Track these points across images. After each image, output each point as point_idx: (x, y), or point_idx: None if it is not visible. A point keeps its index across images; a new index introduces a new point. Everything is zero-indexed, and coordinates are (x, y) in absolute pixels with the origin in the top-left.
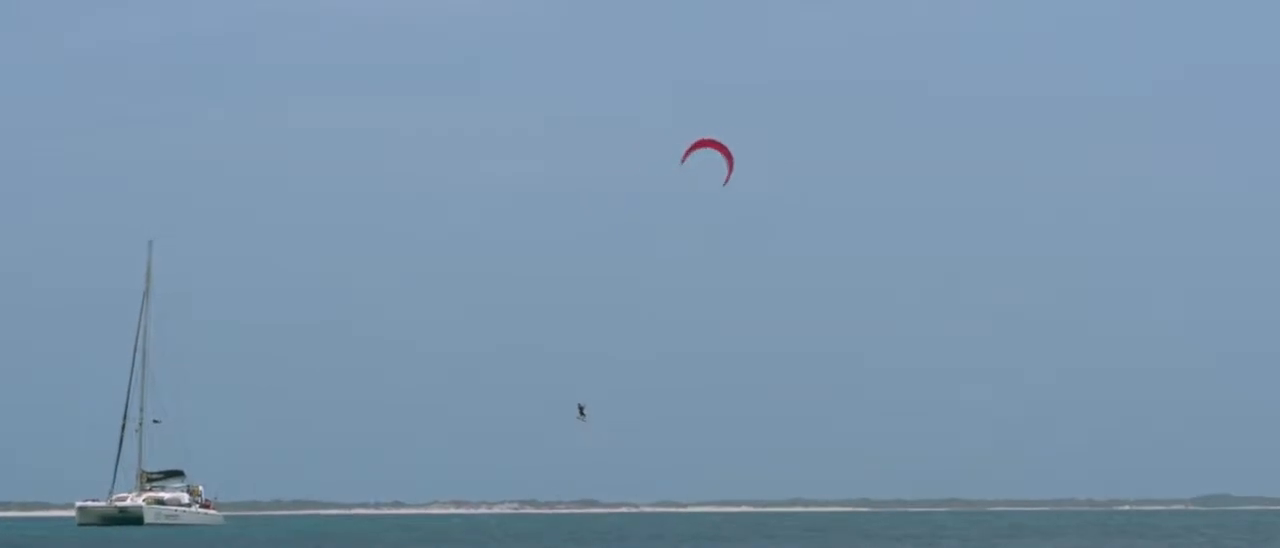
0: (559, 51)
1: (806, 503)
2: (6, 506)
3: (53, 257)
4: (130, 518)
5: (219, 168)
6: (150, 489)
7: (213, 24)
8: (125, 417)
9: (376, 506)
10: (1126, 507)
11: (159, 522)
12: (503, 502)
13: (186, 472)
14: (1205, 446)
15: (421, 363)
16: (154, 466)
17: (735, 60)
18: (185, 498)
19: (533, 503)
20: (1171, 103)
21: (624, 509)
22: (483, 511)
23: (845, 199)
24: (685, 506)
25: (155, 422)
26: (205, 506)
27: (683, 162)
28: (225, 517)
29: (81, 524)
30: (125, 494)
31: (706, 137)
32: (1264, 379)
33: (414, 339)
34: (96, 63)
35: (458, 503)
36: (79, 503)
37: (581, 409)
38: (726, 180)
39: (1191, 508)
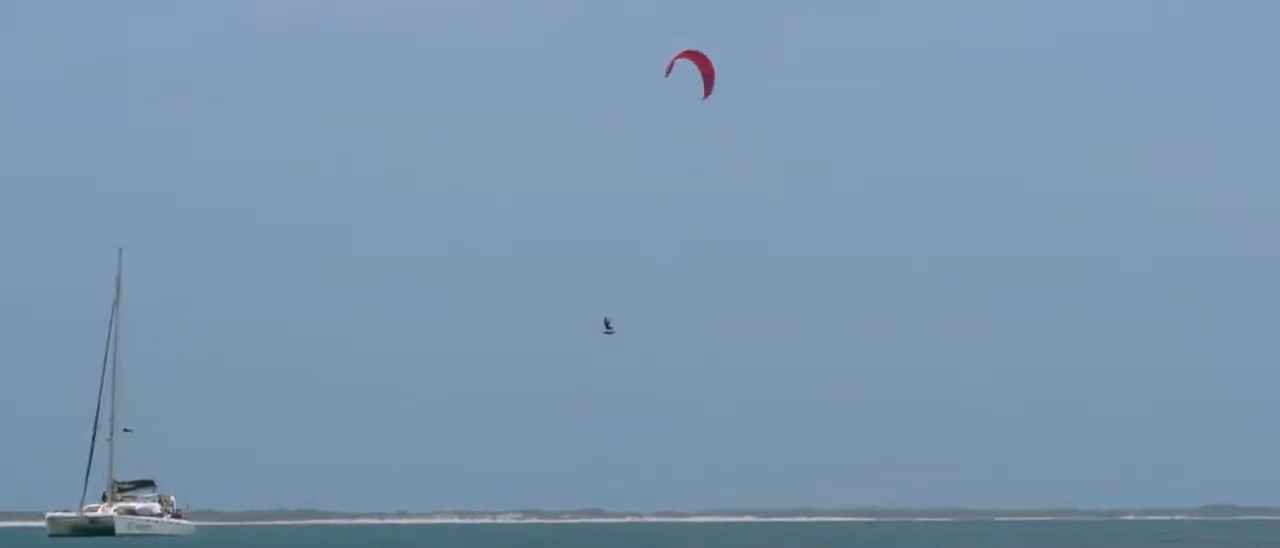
0: (557, 59)
1: (811, 513)
2: None
3: (29, 262)
4: (101, 528)
5: (218, 172)
6: (121, 499)
7: (212, 31)
8: (96, 426)
9: (381, 515)
10: (1130, 517)
11: (130, 532)
12: (507, 512)
13: (157, 482)
14: (1209, 455)
15: (424, 372)
16: (127, 475)
17: (735, 66)
18: (156, 508)
19: (537, 513)
20: (1173, 105)
21: (629, 519)
22: (486, 521)
23: (846, 205)
24: (690, 516)
25: (126, 431)
26: (177, 516)
27: (667, 74)
28: (196, 527)
29: (52, 535)
30: (96, 504)
31: (689, 50)
32: (1268, 388)
33: (417, 348)
34: (94, 68)
35: (461, 513)
36: (49, 513)
37: (607, 324)
38: (706, 94)
39: (1195, 519)
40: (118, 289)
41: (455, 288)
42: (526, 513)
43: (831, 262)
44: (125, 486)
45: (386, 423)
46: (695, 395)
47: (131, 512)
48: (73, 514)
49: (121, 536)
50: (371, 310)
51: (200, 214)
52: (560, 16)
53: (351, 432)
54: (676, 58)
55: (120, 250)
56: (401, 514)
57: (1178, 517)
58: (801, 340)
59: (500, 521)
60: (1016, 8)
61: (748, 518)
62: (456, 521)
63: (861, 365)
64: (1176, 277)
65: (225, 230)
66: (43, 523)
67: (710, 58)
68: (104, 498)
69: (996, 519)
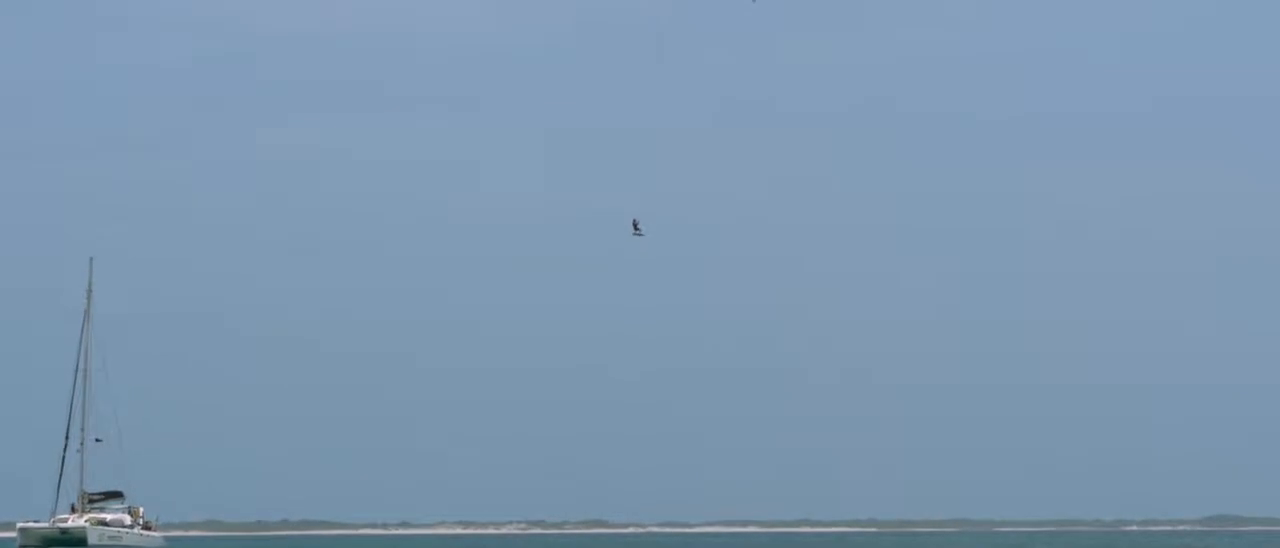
0: (560, 72)
1: (814, 523)
2: None
3: (7, 268)
4: (73, 540)
5: (218, 183)
6: (91, 510)
7: (215, 45)
8: (67, 436)
9: (384, 526)
10: (1133, 528)
11: (102, 543)
12: (510, 522)
13: (126, 493)
14: (1211, 465)
15: (427, 382)
16: (99, 486)
17: (736, 78)
18: (127, 520)
19: (541, 523)
20: (1173, 120)
21: (632, 529)
22: (490, 531)
23: (848, 218)
24: (693, 526)
25: (97, 441)
26: (147, 527)
27: None
28: (165, 538)
29: (23, 546)
30: (66, 515)
31: None
32: (1270, 398)
33: (421, 358)
34: (93, 76)
35: (465, 524)
36: (21, 524)
37: (635, 225)
38: None
39: (1198, 529)
40: (88, 298)
41: (458, 298)
42: (530, 524)
43: (833, 277)
44: (95, 497)
45: (390, 433)
46: (698, 405)
47: (103, 523)
48: (44, 525)
49: (93, 546)
50: (373, 320)
51: (200, 223)
52: (559, 28)
53: (355, 442)
54: None
55: (91, 259)
56: (405, 525)
57: (1181, 527)
58: (802, 350)
59: (504, 531)
60: (1013, 25)
61: (751, 528)
62: (460, 531)
63: (863, 375)
64: (1178, 289)
65: (227, 240)
66: (13, 534)
67: None
68: (72, 509)
69: (999, 530)
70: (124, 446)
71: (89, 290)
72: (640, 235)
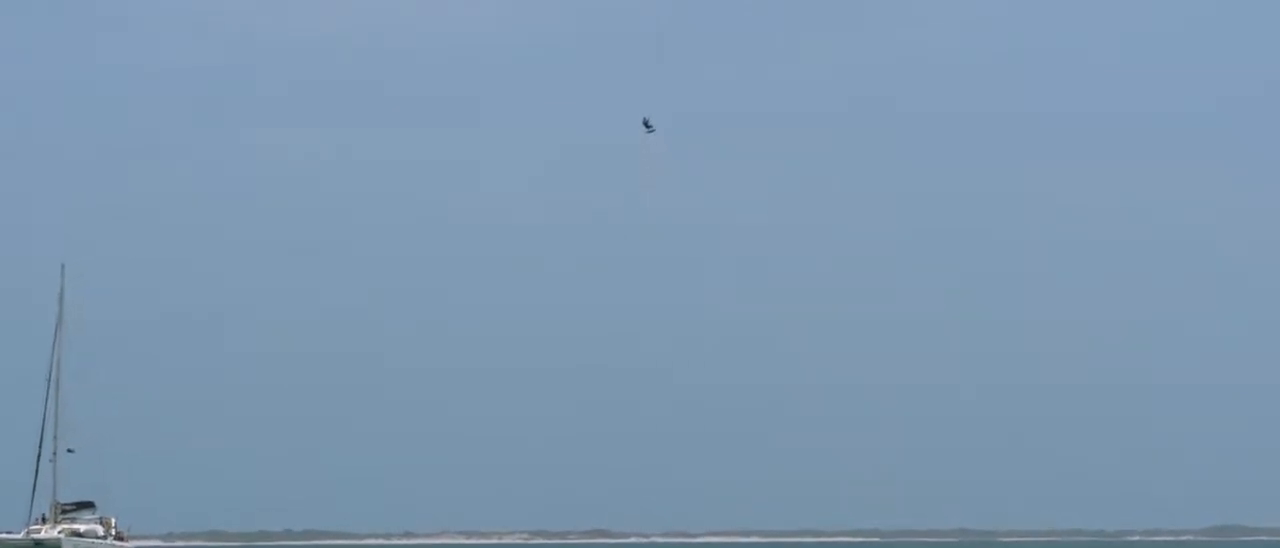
0: (559, 72)
1: (817, 533)
2: None
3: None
4: None
5: (227, 183)
6: (63, 521)
7: (214, 45)
8: (41, 447)
9: (387, 536)
10: (1136, 537)
11: None
12: (513, 532)
13: (98, 503)
14: (1217, 473)
15: (429, 390)
16: (75, 496)
17: (735, 79)
18: (100, 530)
19: (543, 533)
20: (1173, 119)
21: (635, 539)
22: (493, 541)
23: (848, 218)
24: (696, 536)
25: (69, 451)
26: (119, 537)
27: None
28: None
29: None
30: (39, 526)
31: None
32: (1276, 406)
33: (422, 366)
34: (97, 81)
35: (468, 534)
36: None
37: (646, 122)
38: None
39: (1202, 539)
40: (60, 305)
41: (459, 299)
42: (533, 533)
43: (831, 285)
44: (67, 507)
45: (392, 442)
46: (701, 415)
47: (77, 534)
48: (18, 536)
49: None
50: (375, 327)
51: (199, 225)
52: (558, 29)
53: (357, 452)
54: None
55: (62, 266)
56: (407, 535)
57: (1184, 537)
58: (805, 358)
59: (507, 541)
60: (1017, 20)
61: (754, 538)
62: (463, 541)
63: (867, 384)
64: (1179, 289)
65: (227, 241)
66: None
67: None
68: (43, 520)
69: (1002, 540)
70: (99, 455)
71: (61, 297)
72: (652, 131)
